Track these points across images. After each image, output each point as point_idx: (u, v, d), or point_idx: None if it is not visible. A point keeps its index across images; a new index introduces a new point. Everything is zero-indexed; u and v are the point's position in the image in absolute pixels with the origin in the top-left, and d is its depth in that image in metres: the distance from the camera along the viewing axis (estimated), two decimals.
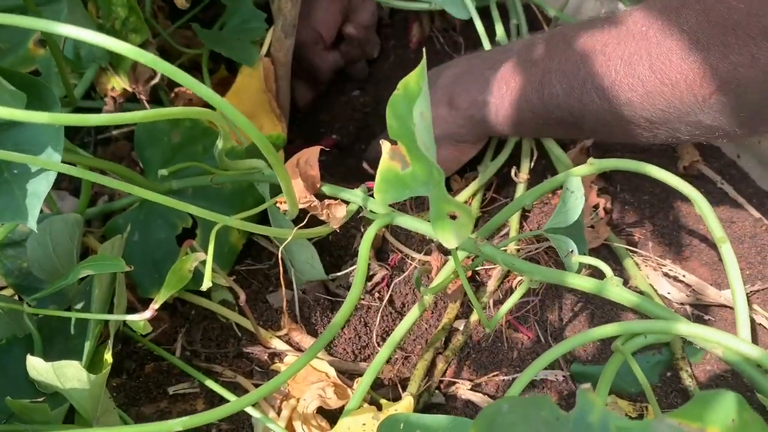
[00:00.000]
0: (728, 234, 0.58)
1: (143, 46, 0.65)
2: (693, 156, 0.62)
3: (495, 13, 0.65)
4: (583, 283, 0.40)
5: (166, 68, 0.32)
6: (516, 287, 0.52)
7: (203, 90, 0.34)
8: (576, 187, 0.42)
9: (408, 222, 0.45)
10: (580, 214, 0.42)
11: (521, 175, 0.61)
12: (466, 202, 0.63)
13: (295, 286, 0.58)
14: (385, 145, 0.37)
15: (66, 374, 0.38)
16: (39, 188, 0.34)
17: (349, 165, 0.77)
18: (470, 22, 0.80)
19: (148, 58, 0.32)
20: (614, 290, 0.39)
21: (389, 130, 0.36)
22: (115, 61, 0.63)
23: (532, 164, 0.62)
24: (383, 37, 0.84)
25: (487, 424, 0.25)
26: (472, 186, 0.63)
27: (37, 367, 0.38)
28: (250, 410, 0.48)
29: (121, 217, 0.57)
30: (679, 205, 0.60)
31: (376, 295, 0.59)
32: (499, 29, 0.63)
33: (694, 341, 0.37)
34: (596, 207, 0.59)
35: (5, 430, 0.39)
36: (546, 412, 0.26)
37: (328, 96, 0.82)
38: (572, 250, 0.41)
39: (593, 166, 0.44)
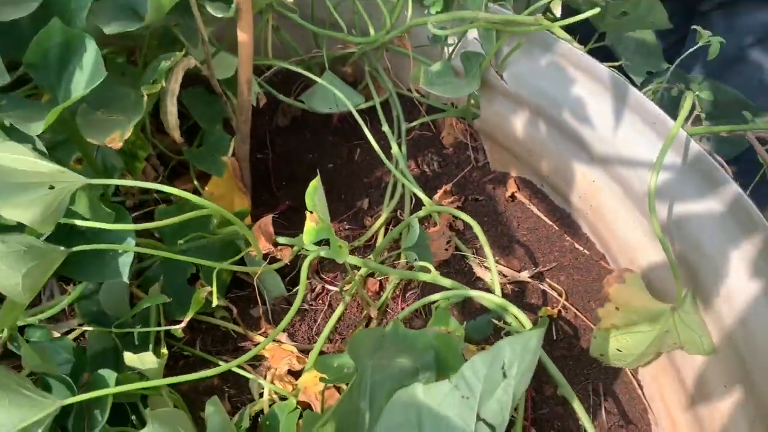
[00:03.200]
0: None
1: (148, 158, 0.97)
2: (513, 188, 0.97)
3: (379, 110, 0.99)
4: (422, 275, 0.73)
5: (158, 187, 0.65)
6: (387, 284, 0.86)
7: (194, 198, 0.67)
8: (414, 223, 0.76)
9: (328, 254, 0.78)
10: (419, 237, 0.76)
11: (405, 215, 0.95)
12: (376, 233, 0.97)
13: (267, 301, 0.91)
14: (309, 215, 0.71)
15: (145, 359, 0.70)
16: (127, 260, 0.67)
17: (300, 218, 1.10)
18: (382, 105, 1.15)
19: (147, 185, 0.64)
20: (438, 278, 0.73)
21: (308, 206, 0.69)
22: (131, 168, 0.95)
23: (412, 206, 0.96)
24: (308, 123, 1.18)
25: (354, 341, 0.58)
26: (378, 223, 0.97)
27: (130, 358, 0.70)
28: (246, 374, 0.80)
29: (150, 271, 0.89)
30: (506, 222, 0.95)
31: (320, 301, 0.92)
32: (385, 127, 0.97)
33: (475, 298, 0.71)
34: (451, 228, 0.94)
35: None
36: (372, 332, 0.59)
37: (280, 177, 1.15)
38: (415, 259, 0.75)
39: (426, 209, 0.77)
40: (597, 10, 0.74)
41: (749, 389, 0.64)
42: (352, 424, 0.52)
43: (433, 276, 0.73)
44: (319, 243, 0.83)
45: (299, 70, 1.01)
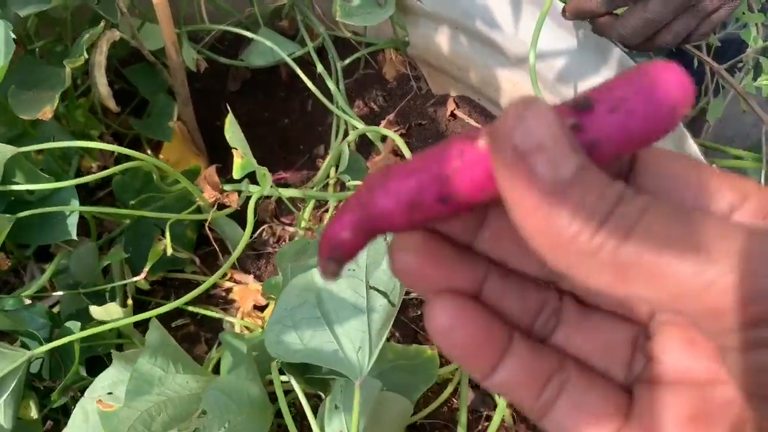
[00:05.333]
0: None
1: (101, 136, 1.02)
2: (452, 107, 1.00)
3: (313, 54, 1.02)
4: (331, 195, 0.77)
5: (118, 149, 0.69)
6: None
7: (144, 156, 0.72)
8: (345, 148, 0.79)
9: (265, 191, 0.83)
10: (351, 160, 0.80)
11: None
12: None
13: (231, 251, 0.95)
14: (235, 152, 0.75)
15: (110, 310, 0.76)
16: (73, 220, 0.72)
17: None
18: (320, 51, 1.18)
19: (104, 147, 0.69)
20: None
21: (230, 142, 0.74)
22: (88, 151, 1.01)
23: (357, 140, 1.00)
24: (259, 84, 1.22)
25: (279, 253, 0.62)
26: (327, 161, 1.01)
27: (96, 311, 0.76)
28: (217, 315, 0.85)
29: (118, 240, 0.94)
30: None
31: (282, 243, 0.97)
32: (320, 68, 1.00)
33: None
34: (395, 154, 0.97)
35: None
36: (296, 243, 0.63)
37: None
38: (349, 180, 0.79)
39: (356, 132, 0.81)
40: None
41: None
42: None
43: None
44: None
45: (236, 30, 1.04)
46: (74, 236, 0.73)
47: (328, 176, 0.93)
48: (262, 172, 0.72)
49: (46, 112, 0.75)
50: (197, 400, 0.59)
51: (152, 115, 0.99)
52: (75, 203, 0.73)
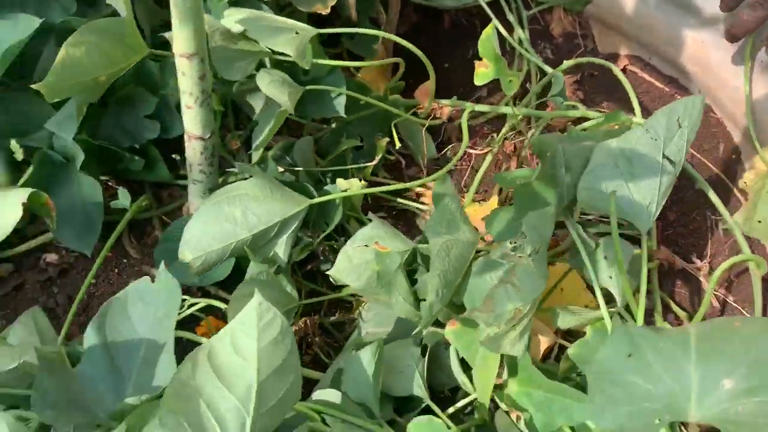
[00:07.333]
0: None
1: None
2: (624, 62, 1.12)
3: (502, 1, 1.14)
4: (571, 112, 0.89)
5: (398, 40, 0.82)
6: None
7: (411, 46, 0.84)
8: (559, 75, 0.91)
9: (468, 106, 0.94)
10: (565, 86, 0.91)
11: (531, 86, 1.10)
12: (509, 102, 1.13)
13: (422, 164, 1.08)
14: (478, 63, 0.86)
15: (352, 183, 0.88)
16: (341, 101, 0.85)
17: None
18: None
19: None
20: (587, 112, 0.88)
21: (481, 52, 0.85)
22: None
23: (538, 79, 1.12)
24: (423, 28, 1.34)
25: (538, 140, 0.74)
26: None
27: (341, 183, 0.88)
28: (414, 206, 0.97)
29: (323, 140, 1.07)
30: (621, 89, 1.10)
31: (464, 163, 1.09)
32: (510, 16, 1.12)
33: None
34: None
35: None
36: (552, 135, 0.75)
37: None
38: (562, 102, 0.91)
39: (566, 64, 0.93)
40: None
41: None
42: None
43: (582, 111, 0.89)
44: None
45: None
46: (342, 114, 0.85)
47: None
48: (508, 78, 0.84)
49: (319, 8, 0.87)
50: (471, 247, 0.71)
51: (358, 36, 1.12)
52: (343, 87, 0.85)
